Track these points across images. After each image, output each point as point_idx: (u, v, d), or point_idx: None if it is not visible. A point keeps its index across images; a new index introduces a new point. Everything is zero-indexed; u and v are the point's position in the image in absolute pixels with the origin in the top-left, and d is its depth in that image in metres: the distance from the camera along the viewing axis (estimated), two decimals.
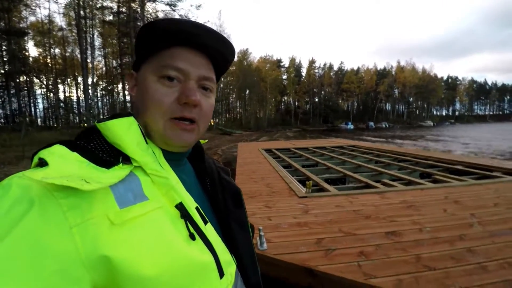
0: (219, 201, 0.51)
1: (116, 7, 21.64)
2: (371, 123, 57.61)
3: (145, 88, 0.41)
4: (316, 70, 68.07)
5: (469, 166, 4.78)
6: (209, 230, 0.41)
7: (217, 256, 0.39)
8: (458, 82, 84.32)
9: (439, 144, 16.84)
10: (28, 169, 0.33)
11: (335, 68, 70.48)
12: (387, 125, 57.43)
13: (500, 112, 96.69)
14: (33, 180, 0.29)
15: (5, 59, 20.92)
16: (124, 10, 21.41)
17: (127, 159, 0.37)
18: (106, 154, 0.36)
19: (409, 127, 50.27)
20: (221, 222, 0.49)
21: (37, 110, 30.82)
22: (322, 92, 66.99)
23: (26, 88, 26.79)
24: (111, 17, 22.69)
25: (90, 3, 21.17)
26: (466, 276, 1.40)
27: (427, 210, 2.48)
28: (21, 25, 23.38)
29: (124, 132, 0.37)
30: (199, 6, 20.86)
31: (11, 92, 23.32)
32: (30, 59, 26.16)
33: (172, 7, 20.71)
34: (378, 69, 71.13)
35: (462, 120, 78.94)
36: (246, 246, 0.50)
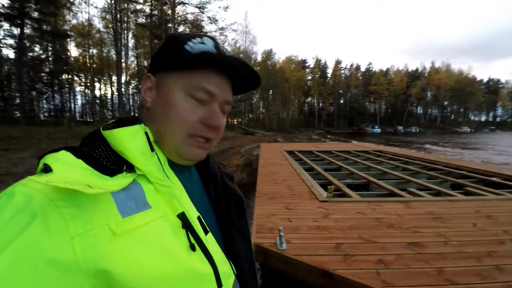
0: (222, 209, 0.51)
1: (148, 10, 22.80)
2: (400, 128, 54.85)
3: (171, 102, 0.41)
4: (342, 71, 66.32)
5: (508, 179, 4.44)
6: (210, 241, 0.41)
7: (216, 267, 0.39)
8: (500, 85, 77.24)
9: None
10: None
11: (362, 68, 68.31)
12: (418, 130, 54.29)
13: None
14: (36, 189, 0.29)
15: (50, 59, 22.93)
16: (156, 13, 22.47)
17: (131, 168, 0.37)
18: (110, 162, 0.36)
19: (443, 133, 47.14)
20: (223, 231, 0.49)
21: (76, 106, 33.39)
22: (348, 93, 65.05)
23: (67, 86, 29.15)
24: (144, 20, 23.93)
25: (125, 6, 22.55)
26: None
27: (455, 223, 2.39)
28: (64, 27, 25.52)
29: (128, 141, 0.38)
30: (226, 7, 21.23)
31: (55, 89, 25.52)
32: (71, 59, 28.43)
33: (201, 9, 21.36)
34: (410, 70, 67.59)
35: (504, 127, 72.15)
36: (246, 256, 0.50)
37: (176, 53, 0.42)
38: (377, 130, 50.68)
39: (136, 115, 0.47)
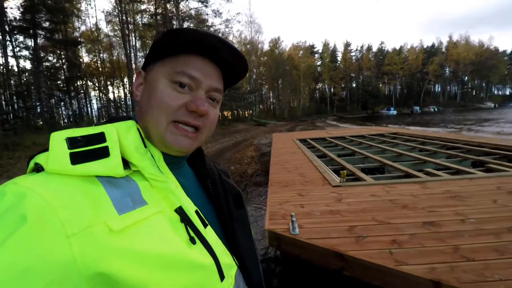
0: (221, 202, 0.51)
1: (153, 9, 22.92)
2: (417, 108, 52.58)
3: (154, 89, 0.41)
4: (352, 53, 64.11)
5: None
6: (209, 233, 0.41)
7: (217, 259, 0.39)
8: None
9: None
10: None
11: (374, 49, 65.58)
12: (436, 109, 51.89)
13: None
14: (28, 188, 0.28)
15: (65, 67, 23.77)
16: (160, 11, 22.56)
17: (125, 164, 0.36)
18: None
19: (463, 110, 44.85)
20: (223, 223, 0.49)
21: (93, 110, 34.64)
22: (360, 76, 62.96)
23: (82, 91, 30.24)
24: (149, 19, 24.15)
25: (130, 7, 22.81)
26: (509, 269, 1.34)
27: (473, 201, 2.32)
28: (74, 35, 26.26)
29: (122, 136, 0.37)
30: None
31: (72, 95, 26.56)
32: (84, 64, 29.35)
33: (204, 3, 21.22)
34: (425, 46, 64.21)
35: None
36: (248, 246, 0.50)
37: (159, 41, 0.42)
38: (393, 112, 49.00)
39: (131, 114, 0.48)
